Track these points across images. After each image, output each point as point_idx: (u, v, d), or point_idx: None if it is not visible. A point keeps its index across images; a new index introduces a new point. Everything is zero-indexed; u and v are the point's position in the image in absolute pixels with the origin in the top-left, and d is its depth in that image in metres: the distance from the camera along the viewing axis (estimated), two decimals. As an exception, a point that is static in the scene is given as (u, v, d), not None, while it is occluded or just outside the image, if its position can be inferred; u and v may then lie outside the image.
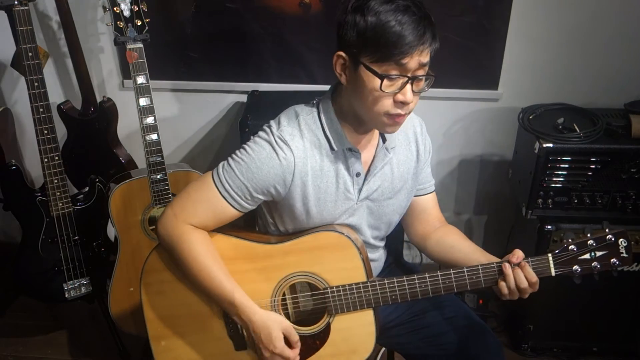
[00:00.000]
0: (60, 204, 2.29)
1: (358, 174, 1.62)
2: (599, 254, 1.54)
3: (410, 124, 1.72)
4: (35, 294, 2.47)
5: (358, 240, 1.66)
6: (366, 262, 1.63)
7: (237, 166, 1.55)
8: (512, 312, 2.72)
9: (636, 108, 2.37)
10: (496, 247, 2.96)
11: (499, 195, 2.91)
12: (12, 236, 3.14)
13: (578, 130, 2.26)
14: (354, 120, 1.56)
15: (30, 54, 2.11)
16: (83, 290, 2.47)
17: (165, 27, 2.64)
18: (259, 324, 1.57)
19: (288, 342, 1.61)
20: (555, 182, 2.32)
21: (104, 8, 2.17)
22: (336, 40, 1.48)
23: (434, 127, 2.71)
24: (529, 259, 1.54)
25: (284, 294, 1.66)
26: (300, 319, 1.69)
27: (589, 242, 1.53)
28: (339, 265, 1.61)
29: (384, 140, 1.64)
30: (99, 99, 2.62)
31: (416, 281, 1.58)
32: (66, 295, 2.45)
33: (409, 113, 1.50)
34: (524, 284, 1.52)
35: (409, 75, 1.41)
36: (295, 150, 1.54)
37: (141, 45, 2.18)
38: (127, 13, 2.15)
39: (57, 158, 2.23)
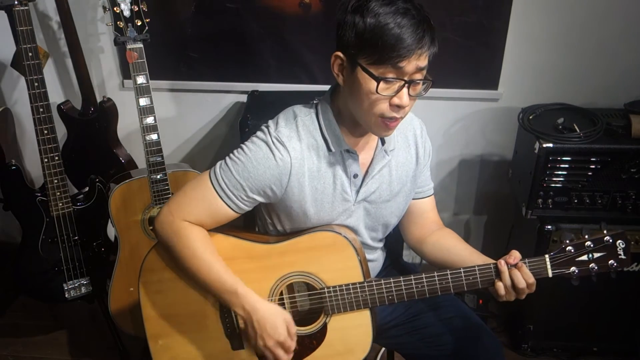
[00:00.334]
0: (60, 204, 2.30)
1: (355, 176, 1.62)
2: (596, 255, 1.53)
3: (411, 126, 1.72)
4: (35, 294, 2.48)
5: (355, 240, 1.66)
6: (363, 262, 1.63)
7: (234, 165, 1.55)
8: (511, 312, 2.72)
9: (636, 108, 2.36)
10: (496, 247, 2.96)
11: (499, 196, 2.91)
12: (12, 236, 3.14)
13: (578, 130, 2.26)
14: (351, 122, 1.56)
15: (30, 54, 2.11)
16: (83, 290, 2.47)
17: (165, 27, 2.64)
18: (264, 313, 1.57)
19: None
20: (555, 182, 2.32)
21: (104, 8, 2.17)
22: (335, 41, 1.48)
23: (434, 127, 2.71)
24: (526, 260, 1.54)
25: (281, 294, 1.66)
26: (297, 318, 1.68)
27: (586, 243, 1.53)
28: (336, 266, 1.62)
29: (383, 143, 1.64)
30: (99, 99, 2.62)
31: (413, 282, 1.58)
32: (66, 295, 2.45)
33: (404, 117, 1.49)
34: (521, 284, 1.52)
35: (406, 78, 1.40)
36: (292, 151, 1.54)
37: (141, 45, 2.18)
38: (127, 13, 2.15)
39: (57, 158, 2.24)
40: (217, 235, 1.64)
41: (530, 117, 2.41)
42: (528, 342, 2.61)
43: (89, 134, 2.60)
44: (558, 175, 2.31)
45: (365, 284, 1.60)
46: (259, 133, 1.59)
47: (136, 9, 2.16)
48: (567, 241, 1.54)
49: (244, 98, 2.76)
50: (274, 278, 1.64)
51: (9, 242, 3.13)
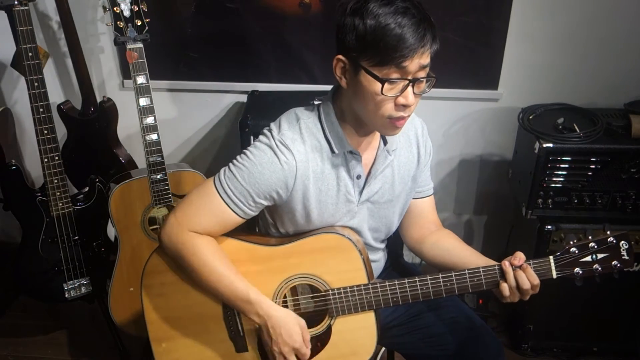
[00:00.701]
0: (60, 204, 2.29)
1: (359, 177, 1.62)
2: (600, 256, 1.54)
3: (412, 126, 1.71)
4: (35, 294, 2.47)
5: (359, 242, 1.66)
6: (367, 264, 1.63)
7: (239, 172, 1.54)
8: (512, 312, 2.72)
9: (636, 108, 2.37)
10: (496, 247, 2.97)
11: (499, 195, 2.91)
12: (12, 236, 3.14)
13: (578, 130, 2.26)
14: (354, 123, 1.56)
15: (30, 54, 2.11)
16: (83, 290, 2.46)
17: (165, 27, 2.64)
18: (278, 319, 1.57)
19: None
20: (555, 182, 2.32)
21: (104, 8, 2.16)
22: (335, 43, 1.47)
23: (434, 127, 2.70)
24: (531, 261, 1.54)
25: (285, 296, 1.66)
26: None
27: (590, 244, 1.54)
28: (340, 268, 1.61)
29: (385, 143, 1.63)
30: (99, 99, 2.61)
31: (417, 283, 1.58)
32: (66, 295, 2.45)
33: (410, 115, 1.49)
34: (526, 285, 1.52)
35: (410, 78, 1.40)
36: (296, 154, 1.53)
37: (141, 45, 2.17)
38: (127, 13, 2.14)
39: (57, 158, 2.23)
40: (220, 238, 1.64)
41: (530, 117, 2.41)
42: (528, 342, 2.61)
43: (89, 134, 2.60)
44: (558, 175, 2.31)
45: (370, 286, 1.60)
46: (261, 137, 1.58)
47: (136, 9, 2.15)
48: (571, 242, 1.55)
49: (244, 98, 2.76)
50: (277, 280, 1.63)
51: (9, 242, 3.12)
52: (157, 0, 2.57)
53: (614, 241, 1.53)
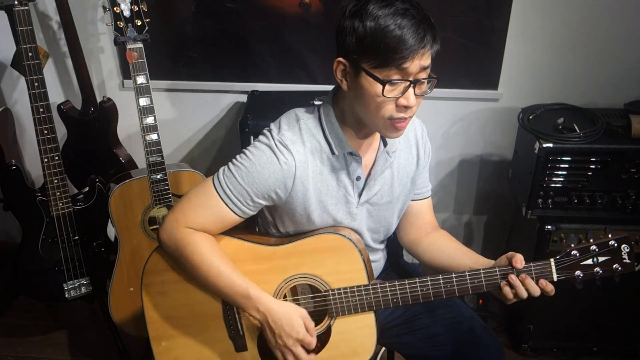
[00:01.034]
0: (60, 204, 2.29)
1: (358, 178, 1.62)
2: (601, 259, 1.53)
3: (412, 127, 1.71)
4: (35, 294, 2.48)
5: (360, 242, 1.66)
6: (368, 264, 1.63)
7: (238, 171, 1.54)
8: (512, 312, 2.73)
9: (636, 108, 2.37)
10: (496, 247, 2.97)
11: (499, 195, 2.91)
12: (12, 236, 3.14)
13: (578, 130, 2.26)
14: (355, 124, 1.56)
15: (30, 54, 2.11)
16: (83, 290, 2.46)
17: (165, 27, 2.64)
18: (279, 313, 1.56)
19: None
20: (555, 182, 2.32)
21: (104, 8, 2.16)
22: (335, 46, 1.47)
23: (433, 127, 2.71)
24: (532, 264, 1.54)
25: (285, 296, 1.66)
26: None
27: (591, 247, 1.53)
28: (341, 268, 1.61)
29: (385, 144, 1.63)
30: (99, 99, 2.61)
31: (418, 284, 1.58)
32: (66, 295, 2.45)
33: (412, 116, 1.49)
34: (536, 292, 1.53)
35: (411, 79, 1.40)
36: (296, 154, 1.53)
37: (141, 45, 2.17)
38: (127, 13, 2.14)
39: (57, 158, 2.23)
40: (219, 237, 1.64)
41: (530, 117, 2.41)
42: (528, 342, 2.62)
43: (89, 134, 2.60)
44: (558, 175, 2.31)
45: (370, 287, 1.60)
46: (261, 137, 1.58)
47: (136, 9, 2.15)
48: (572, 245, 1.54)
49: (244, 98, 2.76)
50: (278, 280, 1.63)
51: (9, 242, 3.13)
52: (157, 0, 2.57)
53: (616, 244, 1.53)
